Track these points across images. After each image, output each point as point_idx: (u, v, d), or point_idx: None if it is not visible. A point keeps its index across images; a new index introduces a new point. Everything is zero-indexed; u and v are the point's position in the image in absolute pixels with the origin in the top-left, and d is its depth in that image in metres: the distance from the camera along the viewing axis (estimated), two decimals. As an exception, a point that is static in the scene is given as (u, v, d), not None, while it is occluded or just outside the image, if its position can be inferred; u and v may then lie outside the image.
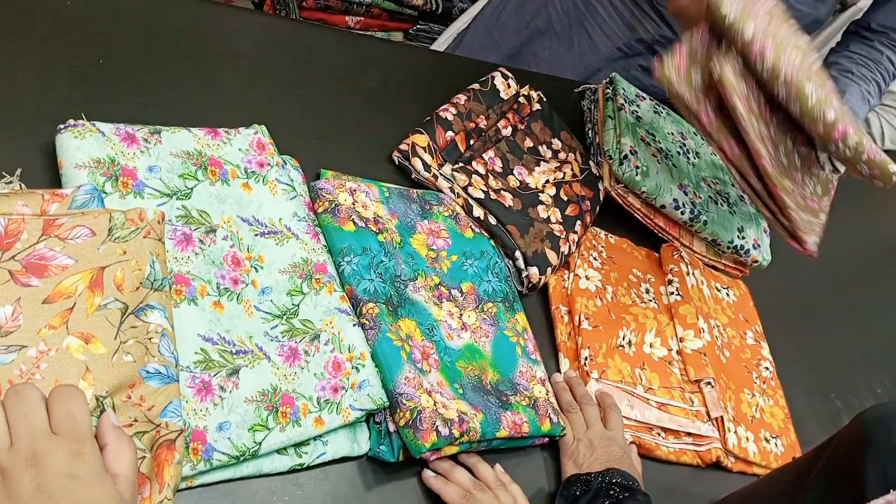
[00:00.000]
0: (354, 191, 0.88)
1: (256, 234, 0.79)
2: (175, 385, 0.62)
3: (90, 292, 0.61)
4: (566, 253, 1.03)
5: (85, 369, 0.59)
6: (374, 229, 0.87)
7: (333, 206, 0.85)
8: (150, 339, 0.61)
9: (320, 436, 0.72)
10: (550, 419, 0.85)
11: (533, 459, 0.87)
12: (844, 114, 0.84)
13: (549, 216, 1.03)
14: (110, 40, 0.88)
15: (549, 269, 0.99)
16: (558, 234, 1.02)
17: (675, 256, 1.15)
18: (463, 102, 1.06)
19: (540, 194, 1.05)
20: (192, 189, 0.77)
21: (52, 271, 0.61)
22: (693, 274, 1.15)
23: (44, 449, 0.48)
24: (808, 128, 0.85)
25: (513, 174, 1.05)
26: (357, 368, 0.75)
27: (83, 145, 0.72)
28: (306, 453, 0.72)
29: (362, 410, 0.73)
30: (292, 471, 0.71)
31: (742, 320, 1.21)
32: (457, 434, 0.75)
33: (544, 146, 1.13)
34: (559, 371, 0.97)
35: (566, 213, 1.05)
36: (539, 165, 1.09)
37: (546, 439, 0.87)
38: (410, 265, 0.88)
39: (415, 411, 0.74)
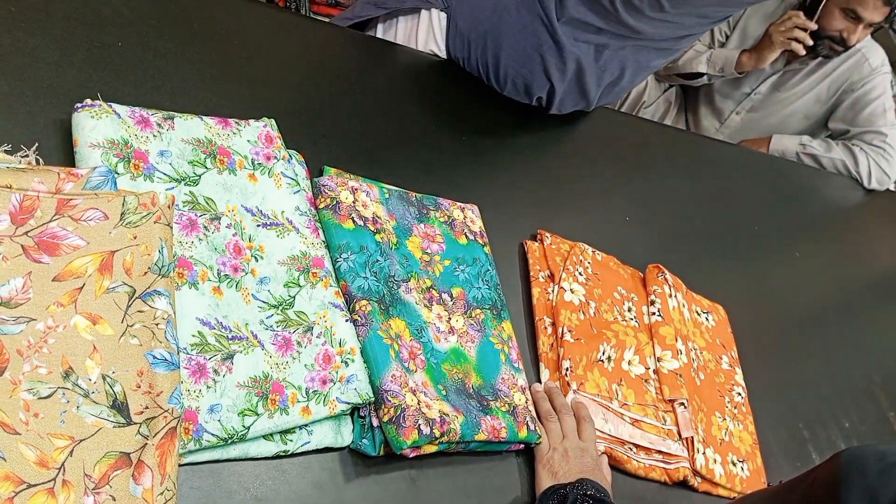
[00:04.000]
0: (356, 190, 0.91)
1: (259, 225, 0.81)
2: (178, 372, 0.64)
3: (99, 275, 0.63)
4: None
5: (92, 348, 0.61)
6: (372, 229, 0.89)
7: (335, 203, 0.88)
8: (156, 324, 0.63)
9: (306, 425, 0.75)
10: (528, 426, 0.88)
11: (508, 464, 0.90)
12: None
13: None
14: (128, 23, 0.90)
15: None
16: None
17: (660, 278, 1.18)
18: None
19: None
20: (200, 176, 0.79)
21: (63, 250, 0.63)
22: (675, 296, 1.18)
23: None
24: None
25: None
26: (346, 363, 0.77)
27: (98, 125, 0.74)
28: (291, 441, 0.74)
29: (348, 404, 0.76)
30: (277, 457, 0.74)
31: (719, 345, 1.24)
32: (437, 434, 0.78)
33: None
34: (540, 380, 1.00)
35: None
36: None
37: (522, 445, 0.90)
38: (404, 266, 0.90)
39: (399, 408, 0.76)
